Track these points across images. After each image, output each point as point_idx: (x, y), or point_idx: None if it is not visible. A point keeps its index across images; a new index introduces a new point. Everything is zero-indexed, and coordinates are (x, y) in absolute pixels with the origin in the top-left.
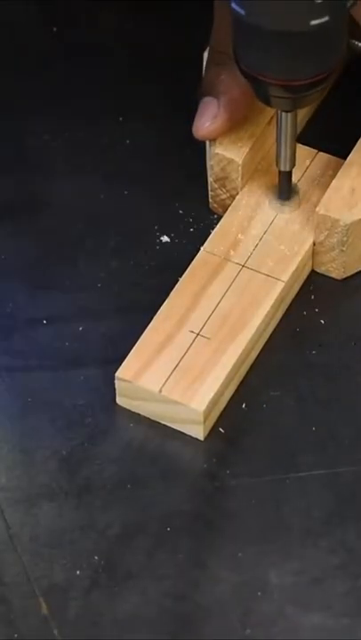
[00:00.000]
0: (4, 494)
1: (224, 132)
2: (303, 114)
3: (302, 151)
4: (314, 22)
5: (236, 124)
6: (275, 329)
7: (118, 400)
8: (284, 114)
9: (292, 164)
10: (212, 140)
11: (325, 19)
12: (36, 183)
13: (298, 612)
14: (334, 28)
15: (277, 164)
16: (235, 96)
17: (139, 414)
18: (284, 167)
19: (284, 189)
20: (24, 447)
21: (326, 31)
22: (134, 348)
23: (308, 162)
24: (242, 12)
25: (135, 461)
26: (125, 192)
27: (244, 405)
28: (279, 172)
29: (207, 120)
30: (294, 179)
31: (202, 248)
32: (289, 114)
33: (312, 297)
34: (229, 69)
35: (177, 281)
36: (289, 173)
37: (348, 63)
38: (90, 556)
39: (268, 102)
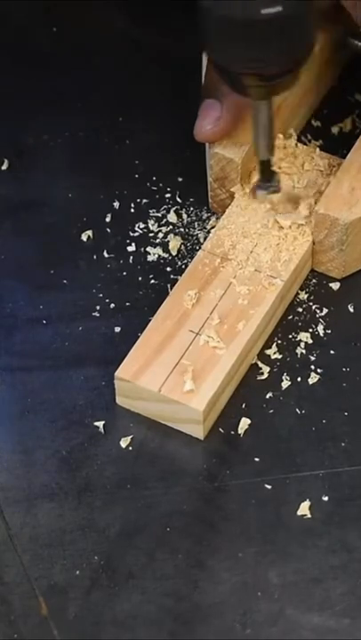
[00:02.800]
0: (4, 494)
1: (227, 135)
2: (303, 114)
3: (302, 150)
4: (266, 11)
5: (237, 126)
6: (274, 328)
7: (118, 400)
8: (257, 102)
9: (271, 152)
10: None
11: (278, 8)
12: (35, 183)
13: (298, 612)
14: (293, 16)
15: (255, 152)
16: (237, 97)
17: (139, 414)
18: (263, 156)
19: (266, 177)
20: (24, 447)
21: (284, 20)
22: (134, 347)
23: (307, 161)
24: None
25: (135, 461)
26: (125, 192)
27: (244, 405)
28: (259, 161)
29: (210, 123)
30: (296, 178)
31: (202, 248)
32: (263, 102)
33: (312, 296)
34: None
35: (177, 281)
36: (268, 162)
37: (347, 62)
38: (90, 556)
39: (240, 91)
